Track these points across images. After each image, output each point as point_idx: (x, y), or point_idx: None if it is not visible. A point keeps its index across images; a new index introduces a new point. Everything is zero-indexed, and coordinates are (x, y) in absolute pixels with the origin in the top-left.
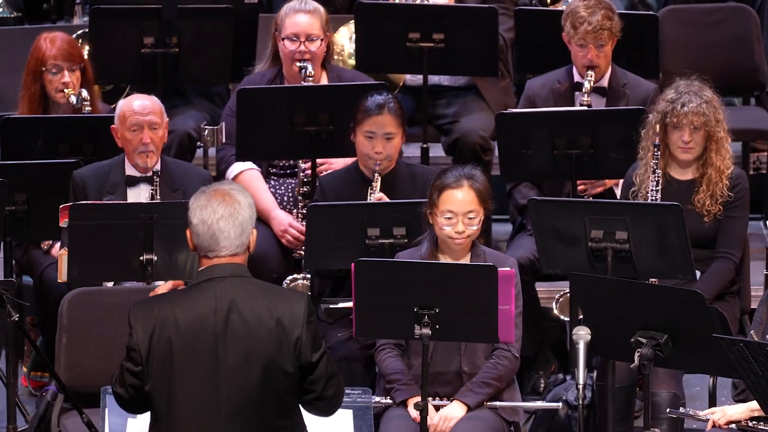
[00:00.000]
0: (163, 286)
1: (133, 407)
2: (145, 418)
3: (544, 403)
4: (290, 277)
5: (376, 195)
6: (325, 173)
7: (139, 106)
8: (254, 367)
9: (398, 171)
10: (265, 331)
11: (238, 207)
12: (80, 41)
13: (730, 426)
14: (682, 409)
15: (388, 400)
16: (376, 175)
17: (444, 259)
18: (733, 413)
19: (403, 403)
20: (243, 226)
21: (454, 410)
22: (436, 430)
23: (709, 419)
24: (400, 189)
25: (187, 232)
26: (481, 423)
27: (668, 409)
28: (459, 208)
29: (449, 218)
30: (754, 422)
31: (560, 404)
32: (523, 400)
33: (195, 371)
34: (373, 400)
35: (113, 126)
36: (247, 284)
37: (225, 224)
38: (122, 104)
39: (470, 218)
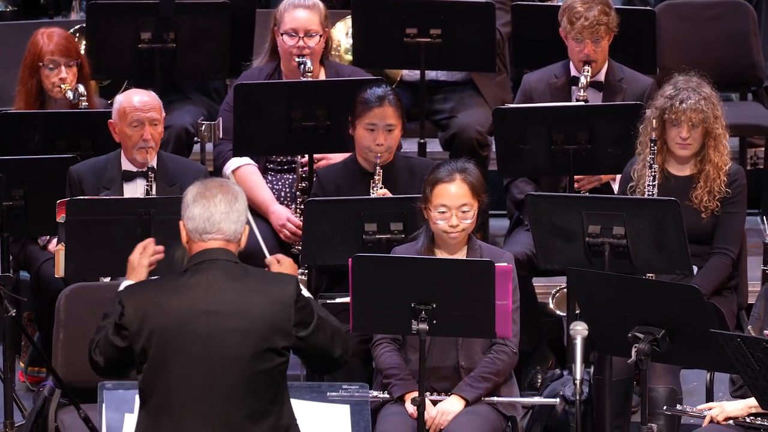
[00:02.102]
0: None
1: (106, 375)
2: None
3: (542, 399)
4: None
5: (380, 191)
6: (323, 167)
7: (140, 102)
8: (246, 347)
9: (396, 164)
10: (256, 312)
11: (236, 195)
12: (77, 36)
13: (728, 422)
14: (678, 406)
15: (386, 395)
16: (377, 168)
17: (440, 254)
18: (731, 409)
19: (401, 398)
20: (239, 213)
21: (452, 404)
22: (433, 423)
23: (706, 415)
24: (399, 182)
25: (180, 224)
26: (479, 418)
27: (665, 407)
28: (452, 202)
29: (443, 212)
30: (752, 418)
31: (557, 400)
32: (521, 396)
33: (189, 354)
34: (370, 395)
35: (111, 121)
36: (238, 268)
37: (223, 207)
38: (121, 99)
39: (464, 212)
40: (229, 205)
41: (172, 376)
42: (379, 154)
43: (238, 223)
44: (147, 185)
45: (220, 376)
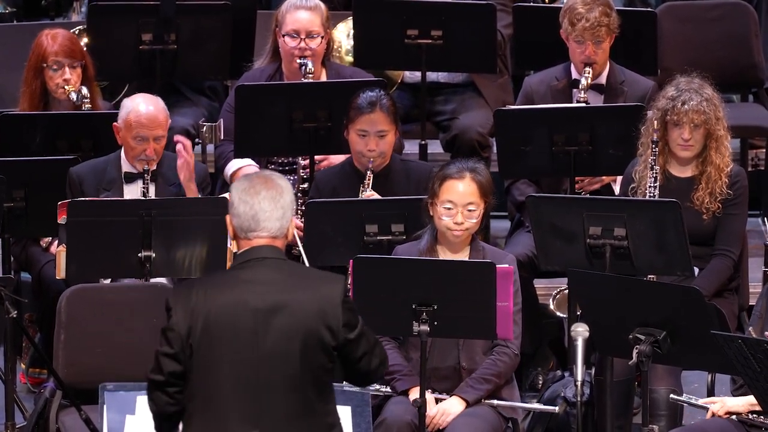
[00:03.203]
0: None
1: (165, 402)
2: (143, 414)
3: (541, 406)
4: None
5: (367, 193)
6: (321, 170)
7: (147, 118)
8: (293, 344)
9: (393, 167)
10: (303, 310)
11: (281, 190)
12: (76, 32)
13: (729, 417)
14: (684, 396)
15: (388, 390)
16: (368, 173)
17: (443, 253)
18: (732, 405)
19: (404, 393)
20: (284, 209)
21: (453, 405)
22: (433, 422)
23: (708, 408)
24: (395, 185)
25: (227, 218)
26: (479, 420)
27: (669, 396)
28: (459, 199)
29: (449, 209)
30: (754, 415)
31: (556, 408)
32: (522, 397)
33: (235, 351)
34: (372, 390)
35: (115, 124)
36: (285, 265)
37: (267, 205)
38: (129, 109)
39: (470, 210)
40: (274, 201)
41: (218, 374)
42: (371, 159)
43: (283, 219)
44: (143, 188)
45: (265, 372)
